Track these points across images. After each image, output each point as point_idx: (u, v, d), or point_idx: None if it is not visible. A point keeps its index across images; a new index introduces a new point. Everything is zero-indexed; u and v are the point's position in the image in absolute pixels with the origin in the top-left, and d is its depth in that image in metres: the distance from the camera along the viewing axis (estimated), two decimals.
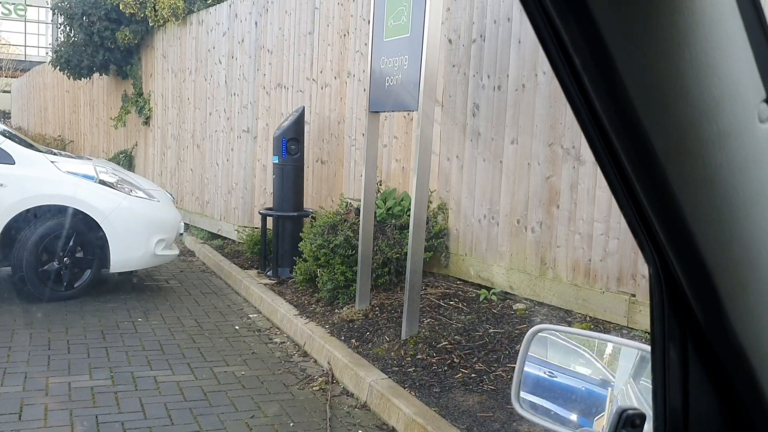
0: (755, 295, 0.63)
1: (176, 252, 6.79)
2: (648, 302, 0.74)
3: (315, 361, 4.73)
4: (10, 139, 6.18)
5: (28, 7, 24.94)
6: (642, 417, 0.76)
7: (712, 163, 0.57)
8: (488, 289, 4.97)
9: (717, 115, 0.55)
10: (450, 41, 5.30)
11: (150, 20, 10.78)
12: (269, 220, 6.80)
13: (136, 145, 12.59)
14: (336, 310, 5.25)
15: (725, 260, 0.61)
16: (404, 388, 3.90)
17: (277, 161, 6.59)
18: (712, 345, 0.68)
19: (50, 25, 22.12)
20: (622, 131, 0.58)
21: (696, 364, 0.70)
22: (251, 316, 5.90)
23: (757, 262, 0.61)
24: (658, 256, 0.67)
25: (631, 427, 0.76)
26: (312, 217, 6.36)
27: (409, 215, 4.97)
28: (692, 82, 0.53)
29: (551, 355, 1.17)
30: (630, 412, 0.76)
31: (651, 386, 0.77)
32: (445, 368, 4.08)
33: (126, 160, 12.71)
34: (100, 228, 6.01)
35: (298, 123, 6.64)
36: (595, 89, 0.57)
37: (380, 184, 5.86)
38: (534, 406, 1.16)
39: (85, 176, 6.14)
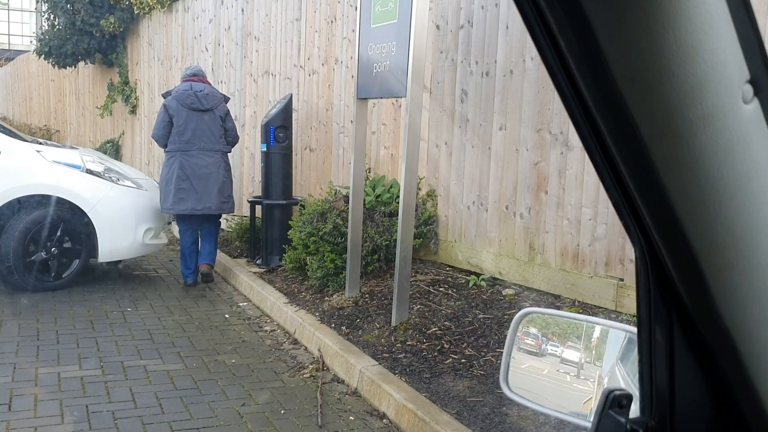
0: (739, 276, 0.63)
1: (165, 241, 6.78)
2: (635, 286, 0.75)
3: (305, 349, 4.74)
4: None
5: None
6: (629, 398, 0.77)
7: (697, 145, 0.57)
8: (477, 275, 4.98)
9: (701, 97, 0.55)
10: (438, 27, 5.28)
11: (135, 7, 10.68)
12: (258, 208, 6.79)
13: (123, 134, 12.51)
14: (326, 298, 5.26)
15: (710, 241, 0.61)
16: (394, 374, 3.92)
17: (265, 149, 6.57)
18: (697, 325, 0.69)
19: (34, 14, 21.86)
20: (607, 113, 0.58)
21: (682, 344, 0.71)
22: (241, 304, 5.89)
23: (741, 243, 0.61)
24: (644, 238, 0.68)
25: (618, 407, 0.76)
26: (301, 205, 6.35)
27: (398, 202, 4.97)
28: (676, 64, 0.53)
29: (539, 338, 1.18)
30: (617, 392, 0.76)
31: (638, 368, 0.78)
32: (435, 354, 4.10)
33: (113, 149, 12.63)
34: (88, 217, 5.98)
35: (286, 110, 6.62)
36: (580, 71, 0.57)
37: (369, 172, 5.85)
38: (522, 390, 1.17)
39: (72, 165, 6.10)
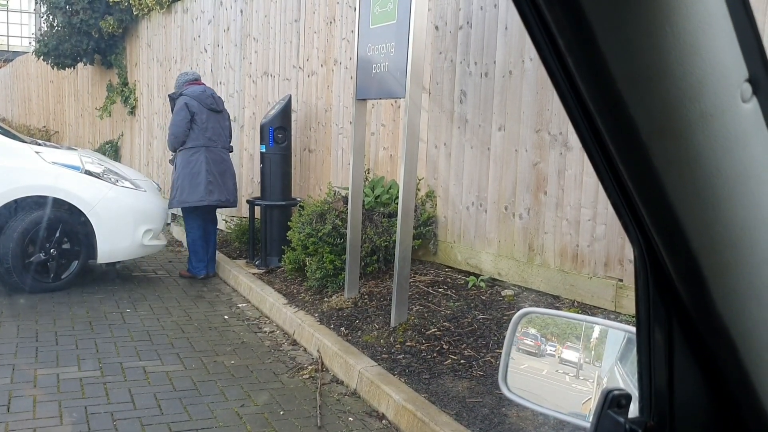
0: (738, 275, 0.63)
1: (164, 242, 6.77)
2: (634, 286, 0.75)
3: (304, 350, 4.73)
4: None
5: None
6: (628, 398, 0.77)
7: (696, 144, 0.57)
8: (477, 275, 4.98)
9: (700, 96, 0.55)
10: (437, 28, 5.28)
11: (134, 8, 10.68)
12: (257, 209, 6.79)
13: (122, 135, 12.50)
14: (325, 299, 5.26)
15: (709, 240, 0.61)
16: (394, 375, 3.91)
17: (264, 150, 6.57)
18: (696, 325, 0.69)
19: (33, 15, 21.84)
20: (606, 112, 0.58)
21: (681, 344, 0.71)
22: (240, 305, 5.89)
23: (740, 243, 0.61)
24: (643, 238, 0.67)
25: (617, 407, 0.76)
26: (300, 206, 6.35)
27: (397, 203, 4.97)
28: (675, 62, 0.53)
29: (538, 338, 1.18)
30: (616, 392, 0.76)
31: (637, 368, 0.78)
32: (434, 355, 4.10)
33: (112, 150, 12.62)
34: (86, 218, 5.97)
35: (285, 111, 6.62)
36: (579, 71, 0.57)
37: (368, 172, 5.85)
38: (521, 390, 1.17)
39: (71, 166, 6.09)
